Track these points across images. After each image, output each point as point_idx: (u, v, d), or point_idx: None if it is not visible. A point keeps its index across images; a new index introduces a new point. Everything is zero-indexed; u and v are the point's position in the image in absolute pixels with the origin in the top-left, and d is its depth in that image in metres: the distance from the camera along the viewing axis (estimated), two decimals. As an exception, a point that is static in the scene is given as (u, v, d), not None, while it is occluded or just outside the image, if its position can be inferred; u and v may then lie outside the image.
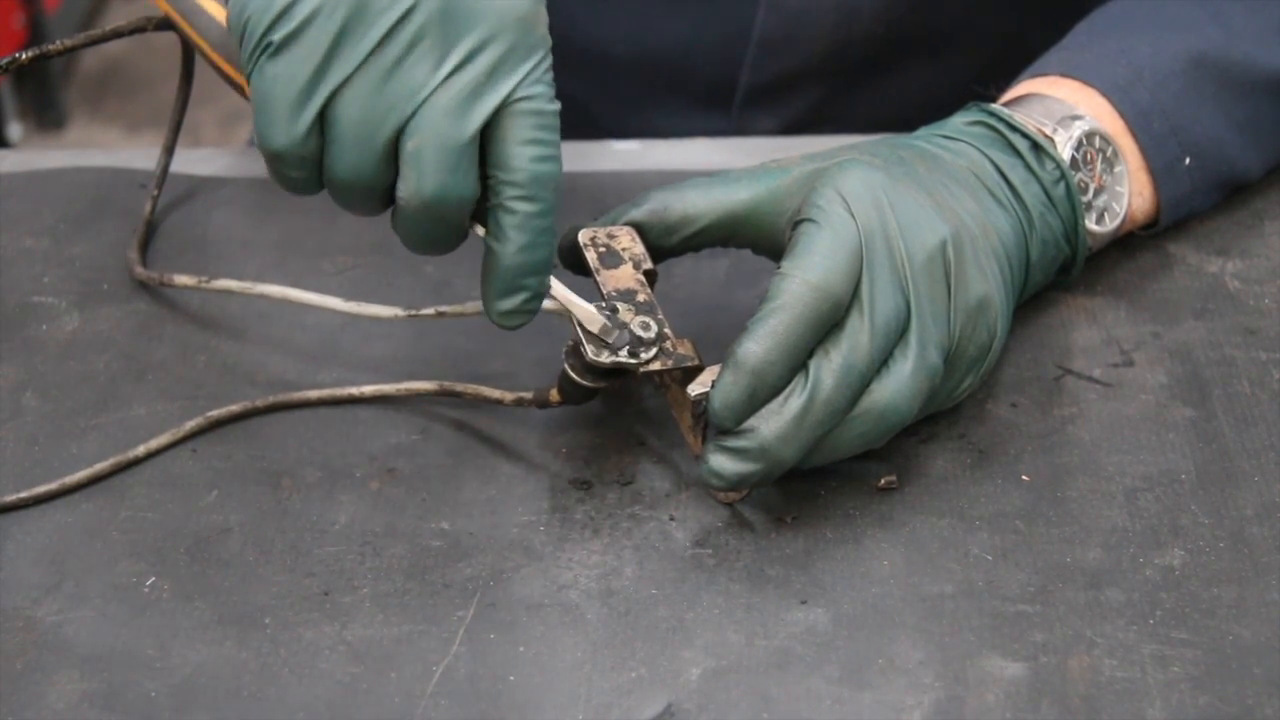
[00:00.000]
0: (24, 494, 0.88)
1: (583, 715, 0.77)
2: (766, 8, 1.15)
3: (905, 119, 1.06)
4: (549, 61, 0.82)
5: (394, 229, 0.83)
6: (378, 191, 0.81)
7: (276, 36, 0.79)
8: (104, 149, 1.43)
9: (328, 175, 0.81)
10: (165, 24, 0.99)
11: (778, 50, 1.17)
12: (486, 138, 0.81)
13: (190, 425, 0.91)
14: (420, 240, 0.83)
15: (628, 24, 1.18)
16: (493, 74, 0.80)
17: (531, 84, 0.81)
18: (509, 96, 0.80)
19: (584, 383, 0.86)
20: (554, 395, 0.88)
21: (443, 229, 0.82)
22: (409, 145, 0.80)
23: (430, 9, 0.79)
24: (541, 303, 0.84)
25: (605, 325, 0.84)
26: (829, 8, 1.15)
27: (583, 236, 0.88)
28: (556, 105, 0.82)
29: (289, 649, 0.80)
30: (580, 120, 1.22)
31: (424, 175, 0.80)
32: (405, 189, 0.80)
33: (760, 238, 0.89)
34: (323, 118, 0.80)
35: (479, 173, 0.81)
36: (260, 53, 0.80)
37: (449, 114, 0.79)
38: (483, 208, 0.82)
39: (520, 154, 0.81)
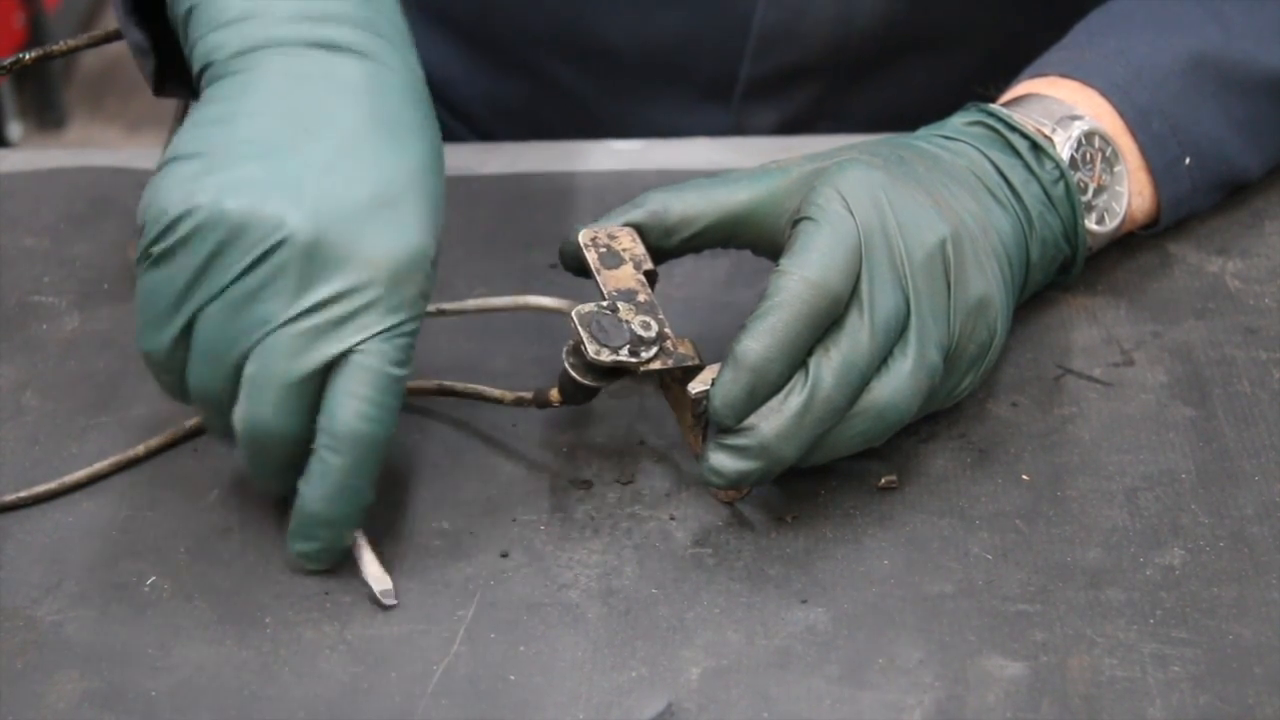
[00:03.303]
0: (24, 494, 0.88)
1: (583, 715, 0.77)
2: (767, 1, 1.15)
3: (906, 115, 1.06)
4: (412, 326, 0.81)
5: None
6: (225, 410, 0.82)
7: (156, 250, 0.80)
8: (104, 149, 1.43)
9: (187, 386, 0.83)
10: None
11: (778, 43, 1.17)
12: (325, 383, 0.81)
13: (190, 425, 0.91)
14: (251, 467, 0.83)
15: (628, 17, 1.18)
16: (341, 323, 0.80)
17: (380, 342, 0.80)
18: (351, 349, 0.80)
19: (585, 382, 0.86)
20: (554, 395, 0.88)
21: (265, 461, 0.82)
22: (247, 371, 0.80)
23: (297, 247, 0.79)
24: (338, 555, 0.83)
25: (385, 590, 0.83)
26: (829, 1, 1.15)
27: (583, 237, 0.88)
28: (403, 371, 0.81)
29: (289, 649, 0.80)
30: (579, 113, 1.22)
31: (252, 403, 0.81)
32: (237, 414, 0.81)
33: (760, 238, 0.89)
34: (188, 332, 0.81)
35: (310, 417, 0.81)
36: (144, 259, 0.81)
37: (286, 351, 0.80)
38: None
39: (343, 407, 0.80)
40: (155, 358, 0.82)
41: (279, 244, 0.79)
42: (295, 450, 0.82)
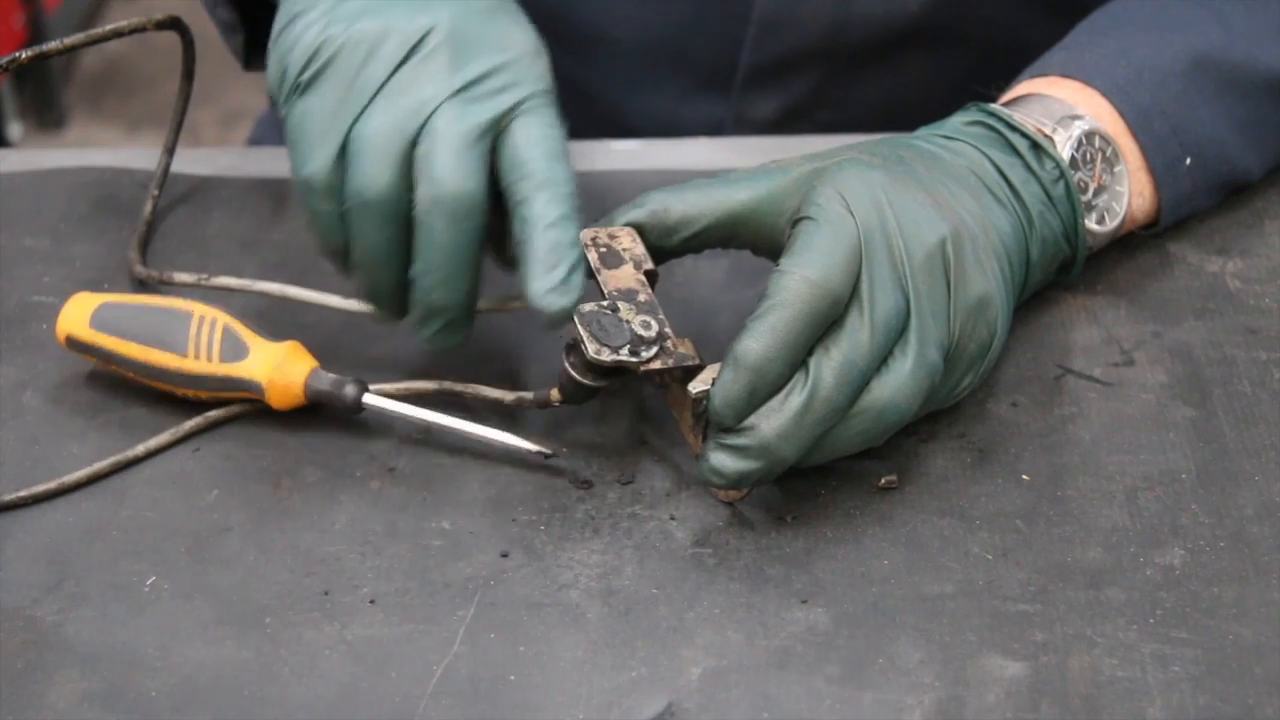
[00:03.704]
0: (24, 493, 0.88)
1: (583, 715, 0.77)
2: None
3: (905, 105, 1.06)
4: (552, 97, 0.87)
5: (411, 308, 0.88)
6: (391, 210, 0.85)
7: (305, 77, 0.86)
8: (104, 149, 1.43)
9: (348, 194, 0.86)
10: (165, 24, 0.99)
11: (778, 30, 1.17)
12: (497, 152, 0.86)
13: (190, 425, 0.91)
14: (447, 253, 0.85)
15: (628, 5, 1.18)
16: (500, 91, 0.86)
17: (537, 98, 0.87)
18: (516, 105, 0.86)
19: (585, 382, 0.86)
20: (554, 395, 0.88)
21: (459, 237, 0.85)
22: (420, 150, 0.85)
23: (442, 35, 0.85)
24: (579, 275, 0.85)
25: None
26: None
27: (584, 237, 0.88)
28: (560, 131, 0.86)
29: (289, 649, 0.80)
30: (580, 102, 1.22)
31: (435, 173, 0.84)
32: (420, 193, 0.85)
33: (760, 238, 0.89)
34: (345, 146, 0.85)
35: (487, 178, 0.85)
36: (293, 93, 0.87)
37: (456, 115, 0.85)
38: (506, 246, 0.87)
39: (534, 153, 0.85)
40: (315, 182, 0.86)
41: (426, 34, 0.86)
42: (484, 220, 0.86)
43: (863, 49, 1.18)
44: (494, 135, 0.86)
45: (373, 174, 0.85)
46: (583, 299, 0.85)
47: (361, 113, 0.85)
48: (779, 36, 1.17)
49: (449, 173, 0.84)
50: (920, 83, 1.19)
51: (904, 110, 1.09)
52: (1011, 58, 1.04)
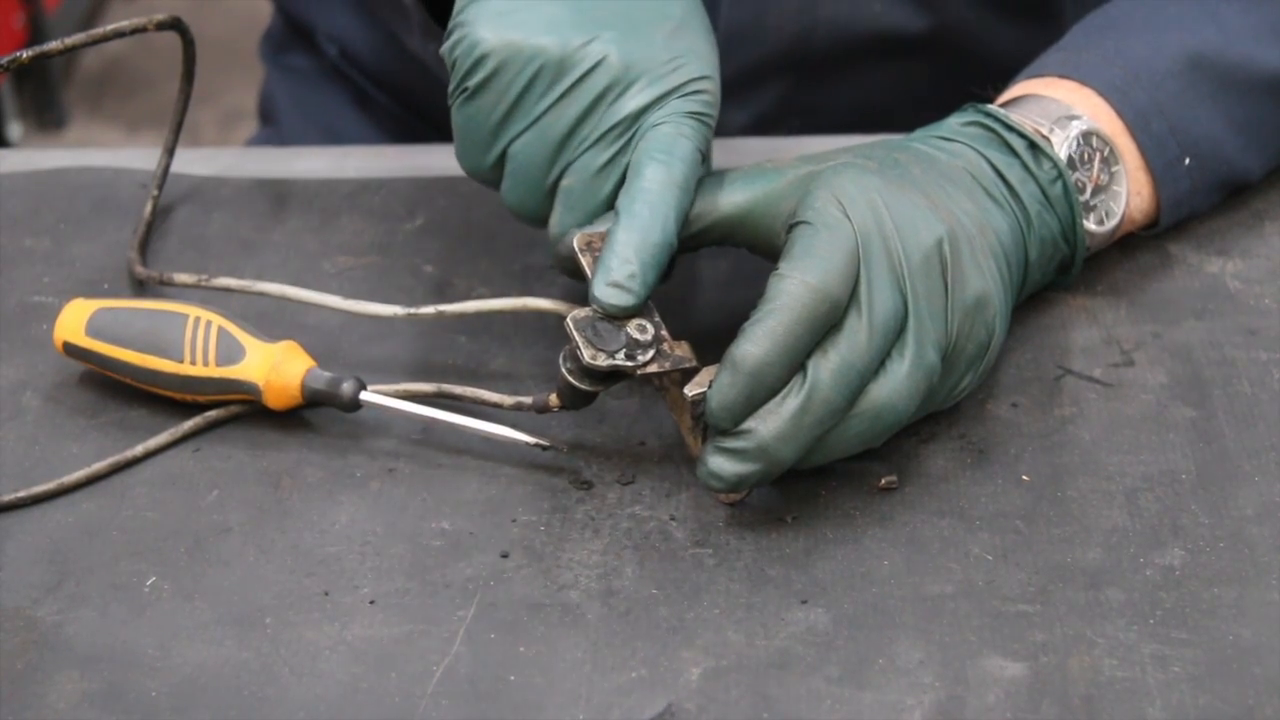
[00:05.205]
0: (23, 493, 0.88)
1: (583, 715, 0.77)
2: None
3: (873, 113, 1.06)
4: (710, 121, 0.89)
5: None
6: (541, 220, 0.90)
7: (472, 83, 0.88)
8: (104, 149, 1.43)
9: (503, 200, 0.90)
10: (165, 24, 0.99)
11: (744, 40, 1.17)
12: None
13: (190, 425, 0.91)
14: (559, 266, 0.90)
15: None
16: (651, 126, 0.87)
17: (674, 122, 0.88)
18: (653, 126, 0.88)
19: (583, 387, 0.86)
20: (553, 400, 0.88)
21: (570, 266, 0.89)
22: (563, 184, 0.88)
23: (610, 72, 0.87)
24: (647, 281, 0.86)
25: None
26: None
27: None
28: (699, 151, 0.88)
29: (289, 649, 0.80)
30: None
31: (566, 214, 0.88)
32: (553, 223, 0.88)
33: (756, 239, 0.89)
34: (503, 157, 0.89)
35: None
36: (459, 94, 0.88)
37: (598, 171, 0.88)
38: None
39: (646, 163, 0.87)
40: (474, 176, 0.91)
41: (593, 69, 0.87)
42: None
43: (829, 57, 1.18)
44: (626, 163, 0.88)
45: (523, 198, 0.89)
46: (647, 299, 0.85)
47: (521, 134, 0.88)
48: (745, 48, 1.17)
49: (580, 220, 0.88)
50: (888, 89, 1.19)
51: (873, 117, 1.10)
52: (979, 64, 1.04)
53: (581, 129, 0.87)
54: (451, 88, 0.89)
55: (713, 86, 0.89)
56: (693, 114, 0.88)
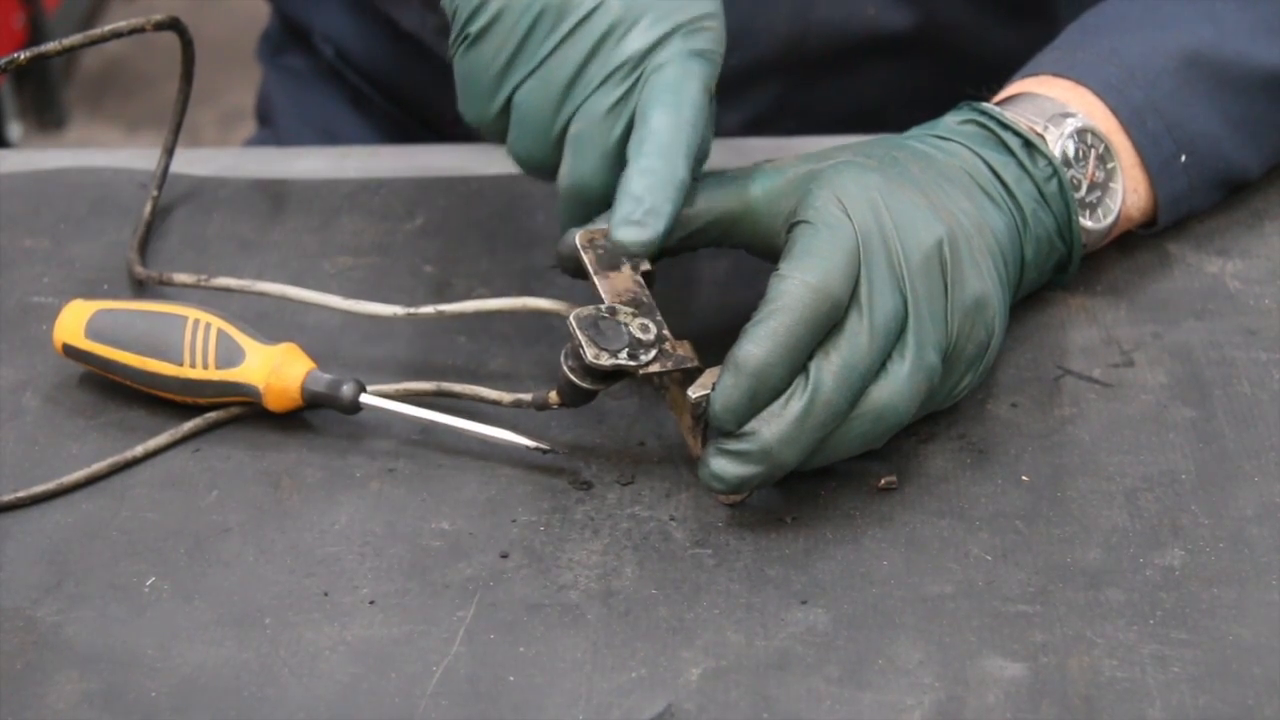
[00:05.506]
0: (23, 494, 0.88)
1: (583, 715, 0.77)
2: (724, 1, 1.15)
3: (867, 114, 1.06)
4: (716, 59, 0.88)
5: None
6: (550, 170, 0.89)
7: (472, 29, 0.87)
8: (104, 149, 1.43)
9: (509, 152, 0.89)
10: (165, 24, 0.99)
11: (738, 42, 1.16)
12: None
13: (190, 425, 0.91)
14: (566, 218, 0.89)
15: None
16: (655, 69, 0.86)
17: (678, 62, 0.87)
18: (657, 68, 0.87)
19: (584, 385, 0.86)
20: (553, 398, 0.88)
21: (582, 214, 0.88)
22: (571, 131, 0.87)
23: (611, 12, 0.86)
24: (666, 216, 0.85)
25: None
26: None
27: (580, 239, 0.88)
28: (706, 87, 0.87)
29: (289, 649, 0.80)
30: None
31: (576, 162, 0.87)
32: (562, 172, 0.87)
33: (756, 239, 0.89)
34: (509, 102, 0.88)
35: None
36: (460, 41, 0.88)
37: (606, 109, 0.86)
38: None
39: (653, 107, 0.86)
40: (483, 127, 0.89)
41: (594, 10, 0.86)
42: (608, 202, 0.86)
43: (823, 58, 1.18)
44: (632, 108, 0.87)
45: (530, 147, 0.88)
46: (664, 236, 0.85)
47: (525, 80, 0.87)
48: (739, 49, 1.17)
49: (589, 167, 0.87)
50: (883, 90, 1.19)
51: (868, 117, 1.09)
52: (973, 64, 1.04)
53: (586, 71, 0.86)
54: (452, 36, 0.88)
55: (717, 24, 0.88)
56: (698, 52, 0.87)
